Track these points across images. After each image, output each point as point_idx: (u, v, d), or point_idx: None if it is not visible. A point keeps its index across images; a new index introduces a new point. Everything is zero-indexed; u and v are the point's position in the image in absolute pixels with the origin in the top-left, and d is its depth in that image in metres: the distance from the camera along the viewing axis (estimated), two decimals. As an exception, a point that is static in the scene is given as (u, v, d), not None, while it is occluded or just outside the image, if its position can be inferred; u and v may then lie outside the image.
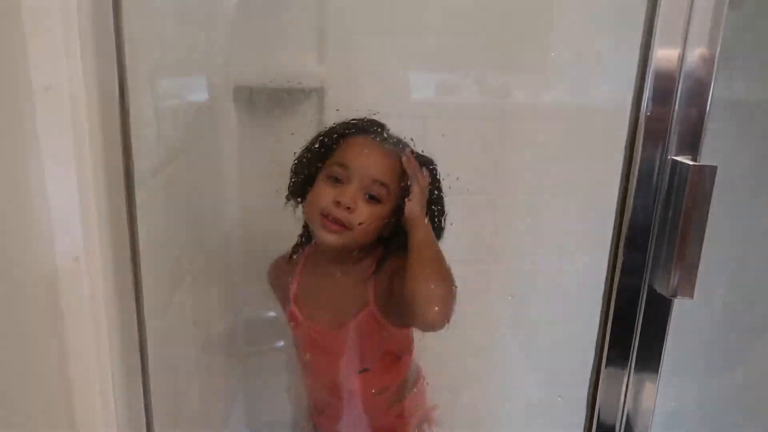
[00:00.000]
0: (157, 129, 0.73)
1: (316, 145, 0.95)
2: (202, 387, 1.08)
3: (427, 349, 1.11)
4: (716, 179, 0.60)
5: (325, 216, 0.89)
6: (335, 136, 0.94)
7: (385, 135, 0.95)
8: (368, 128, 0.94)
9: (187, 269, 0.93)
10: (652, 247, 0.64)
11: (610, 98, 1.22)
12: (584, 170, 1.29)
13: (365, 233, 0.91)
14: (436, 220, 0.96)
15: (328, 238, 0.89)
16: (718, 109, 0.60)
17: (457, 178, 1.29)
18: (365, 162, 0.90)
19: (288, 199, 0.97)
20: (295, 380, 1.09)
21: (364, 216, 0.89)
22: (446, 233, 0.98)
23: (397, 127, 1.24)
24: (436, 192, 0.96)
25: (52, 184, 0.53)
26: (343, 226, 0.89)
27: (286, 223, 1.02)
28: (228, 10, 1.19)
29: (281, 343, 1.20)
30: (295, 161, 0.96)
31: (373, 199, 0.90)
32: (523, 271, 1.38)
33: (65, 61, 0.50)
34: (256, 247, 1.26)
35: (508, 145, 1.36)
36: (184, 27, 0.91)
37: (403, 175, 0.92)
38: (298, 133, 1.31)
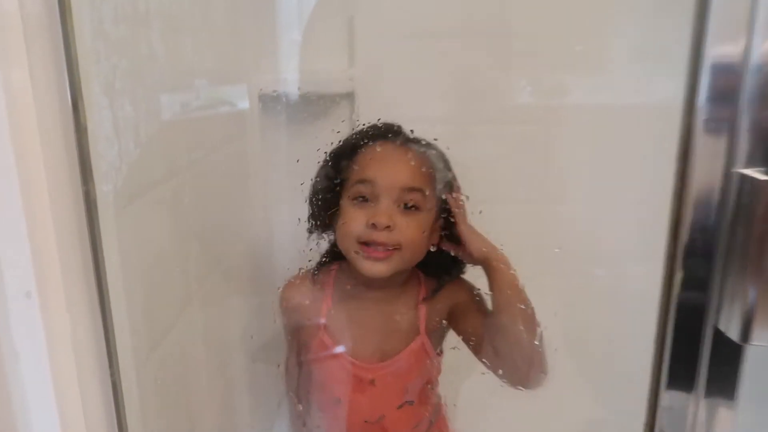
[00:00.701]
0: (141, 145, 0.67)
1: (329, 168, 0.86)
2: (225, 411, 1.02)
3: (465, 365, 1.01)
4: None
5: (364, 243, 0.79)
6: (348, 152, 0.84)
7: (403, 135, 0.85)
8: (382, 134, 0.84)
9: (196, 290, 0.87)
10: (717, 282, 0.52)
11: (673, 96, 1.11)
12: (644, 175, 1.17)
13: (414, 250, 0.81)
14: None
15: (376, 268, 0.79)
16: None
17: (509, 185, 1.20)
18: (389, 170, 0.80)
19: (310, 232, 0.88)
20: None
21: (407, 230, 0.79)
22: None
23: (433, 133, 1.17)
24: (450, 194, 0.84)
25: (-5, 213, 0.47)
26: (389, 249, 0.79)
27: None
28: (245, 13, 1.13)
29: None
30: (311, 190, 0.88)
31: (410, 209, 0.80)
32: (574, 285, 1.25)
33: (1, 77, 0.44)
34: (288, 258, 1.20)
35: (556, 151, 1.24)
36: (178, 35, 0.85)
37: (434, 171, 0.83)
38: (328, 142, 1.25)
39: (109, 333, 0.55)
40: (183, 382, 0.83)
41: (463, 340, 0.86)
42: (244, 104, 1.14)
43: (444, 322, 0.87)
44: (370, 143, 0.83)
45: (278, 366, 1.27)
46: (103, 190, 0.53)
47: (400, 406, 0.88)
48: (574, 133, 1.22)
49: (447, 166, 0.85)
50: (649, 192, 1.15)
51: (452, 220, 0.83)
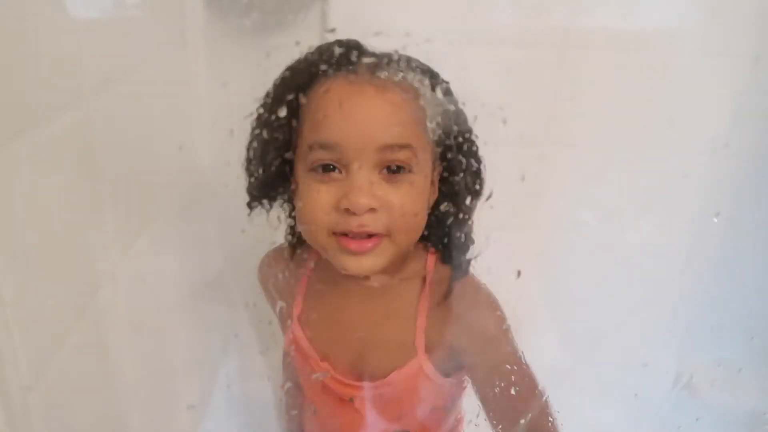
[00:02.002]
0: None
1: (268, 121, 0.59)
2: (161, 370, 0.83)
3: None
4: None
5: (340, 234, 0.56)
6: (290, 98, 0.57)
7: (371, 59, 0.57)
8: (341, 62, 0.57)
9: (118, 255, 0.66)
10: None
11: (661, 21, 0.99)
12: (635, 110, 1.01)
13: (411, 229, 0.58)
14: (469, 178, 0.62)
15: (360, 265, 0.56)
16: None
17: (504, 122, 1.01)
18: (359, 124, 0.54)
19: (251, 207, 0.64)
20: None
21: (398, 205, 0.55)
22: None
23: (422, 49, 0.96)
24: (456, 129, 0.60)
25: None
26: (375, 237, 0.55)
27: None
28: None
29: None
30: (246, 153, 0.62)
31: (397, 172, 0.56)
32: (574, 244, 1.09)
33: None
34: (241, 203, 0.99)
35: (554, 79, 1.04)
36: None
37: (425, 107, 0.58)
38: (293, 54, 1.01)
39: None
40: (103, 368, 0.63)
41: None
42: (183, 2, 0.88)
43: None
44: (322, 80, 0.57)
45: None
46: None
47: None
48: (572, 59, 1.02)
49: (440, 88, 0.59)
50: (652, 130, 1.01)
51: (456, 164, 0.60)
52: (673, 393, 1.11)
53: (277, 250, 0.71)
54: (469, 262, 0.65)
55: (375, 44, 0.62)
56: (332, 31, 0.65)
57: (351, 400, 0.66)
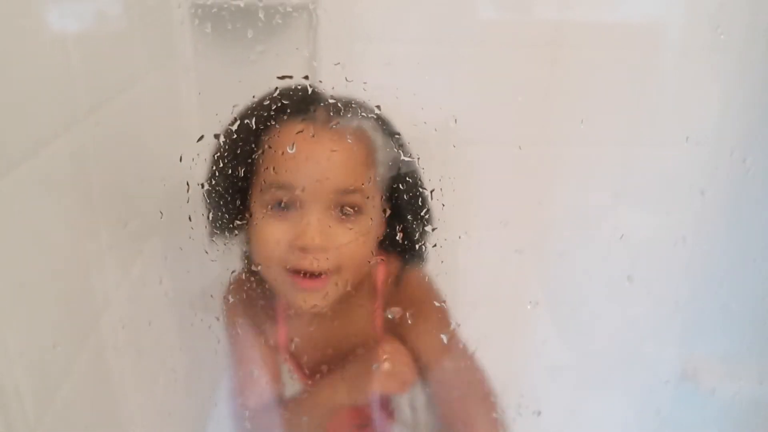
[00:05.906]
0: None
1: (226, 157, 0.61)
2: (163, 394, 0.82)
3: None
4: None
5: (291, 270, 0.59)
6: (249, 138, 0.60)
7: (325, 106, 0.61)
8: (294, 106, 0.60)
9: (119, 280, 0.64)
10: None
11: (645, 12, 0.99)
12: (629, 107, 1.03)
13: (358, 267, 0.61)
14: (416, 219, 0.63)
15: (309, 301, 0.60)
16: None
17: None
18: (316, 170, 0.58)
19: (212, 236, 0.65)
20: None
21: (347, 246, 0.59)
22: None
23: (413, 59, 0.92)
24: (404, 174, 0.63)
25: None
26: (323, 275, 0.58)
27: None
28: None
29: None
30: (206, 182, 0.63)
31: (348, 213, 0.59)
32: (572, 243, 1.09)
33: None
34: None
35: (543, 77, 1.03)
36: None
37: (375, 152, 0.62)
38: (280, 68, 0.99)
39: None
40: (107, 398, 0.62)
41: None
42: (171, 17, 0.87)
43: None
44: (280, 124, 0.60)
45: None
46: None
47: None
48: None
49: (389, 133, 0.63)
50: (649, 127, 1.01)
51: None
52: (677, 387, 1.12)
53: (239, 281, 0.70)
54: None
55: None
56: (288, 77, 0.66)
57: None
